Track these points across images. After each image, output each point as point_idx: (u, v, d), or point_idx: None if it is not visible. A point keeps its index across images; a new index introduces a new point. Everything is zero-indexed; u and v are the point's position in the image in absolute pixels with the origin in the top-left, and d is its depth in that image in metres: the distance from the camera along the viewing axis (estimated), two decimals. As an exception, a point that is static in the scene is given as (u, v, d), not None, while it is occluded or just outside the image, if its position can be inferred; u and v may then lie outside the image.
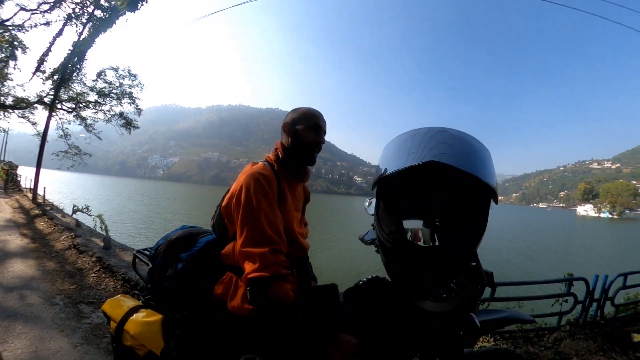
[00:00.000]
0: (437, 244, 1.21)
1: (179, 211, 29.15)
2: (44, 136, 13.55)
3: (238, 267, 1.15)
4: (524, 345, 3.04)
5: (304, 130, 1.30)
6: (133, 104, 18.44)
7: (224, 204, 1.25)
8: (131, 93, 18.19)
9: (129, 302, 1.38)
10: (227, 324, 1.20)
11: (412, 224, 1.24)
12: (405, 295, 1.08)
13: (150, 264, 1.39)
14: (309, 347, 1.04)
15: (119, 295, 1.46)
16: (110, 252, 5.16)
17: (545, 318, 3.51)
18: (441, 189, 1.14)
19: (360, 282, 1.19)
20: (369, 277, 1.20)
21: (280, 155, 1.33)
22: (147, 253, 1.52)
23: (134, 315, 1.30)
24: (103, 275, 4.25)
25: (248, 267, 1.07)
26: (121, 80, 17.93)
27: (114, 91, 17.96)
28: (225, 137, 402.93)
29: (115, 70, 17.63)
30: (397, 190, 1.15)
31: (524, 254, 18.74)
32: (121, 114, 18.22)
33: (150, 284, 1.38)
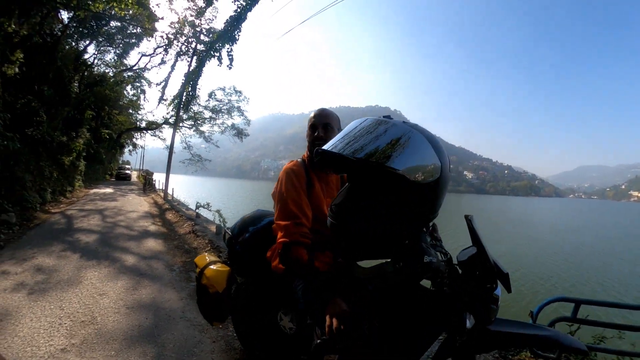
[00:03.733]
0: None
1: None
2: (170, 149, 16.61)
3: None
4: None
5: (307, 132, 1.59)
6: (242, 116, 21.30)
7: (272, 192, 1.58)
8: (239, 107, 21.08)
9: (212, 258, 1.93)
10: (272, 280, 1.60)
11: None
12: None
13: (230, 234, 1.86)
14: (314, 302, 1.22)
15: (205, 252, 1.99)
16: (220, 236, 6.03)
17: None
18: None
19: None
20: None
21: (307, 153, 1.63)
22: None
23: (212, 265, 1.84)
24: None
25: (278, 235, 1.38)
26: (229, 97, 21.09)
27: (224, 107, 21.18)
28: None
29: (223, 89, 20.82)
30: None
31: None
32: (232, 126, 21.39)
33: (228, 248, 1.87)
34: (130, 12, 11.89)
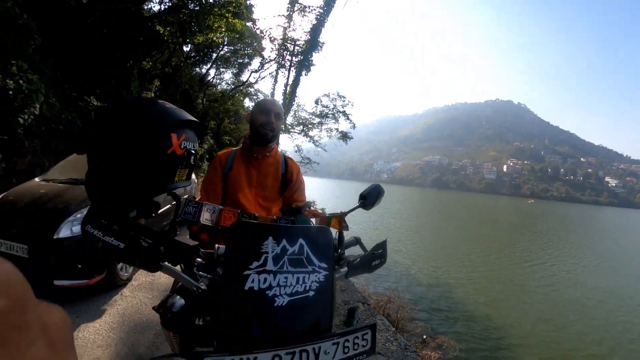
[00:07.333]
0: None
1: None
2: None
3: None
4: None
5: (255, 115, 1.66)
6: (347, 119, 22.31)
7: None
8: (344, 111, 22.11)
9: None
10: None
11: None
12: None
13: None
14: None
15: None
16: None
17: None
18: None
19: None
20: None
21: (244, 140, 1.74)
22: None
23: None
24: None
25: None
26: (334, 103, 22.28)
27: (329, 113, 22.62)
28: (445, 138, 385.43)
29: (327, 95, 22.07)
30: None
31: None
32: (337, 129, 22.33)
33: None
34: (238, 36, 14.15)
